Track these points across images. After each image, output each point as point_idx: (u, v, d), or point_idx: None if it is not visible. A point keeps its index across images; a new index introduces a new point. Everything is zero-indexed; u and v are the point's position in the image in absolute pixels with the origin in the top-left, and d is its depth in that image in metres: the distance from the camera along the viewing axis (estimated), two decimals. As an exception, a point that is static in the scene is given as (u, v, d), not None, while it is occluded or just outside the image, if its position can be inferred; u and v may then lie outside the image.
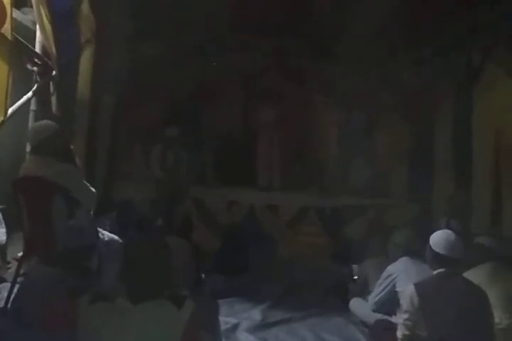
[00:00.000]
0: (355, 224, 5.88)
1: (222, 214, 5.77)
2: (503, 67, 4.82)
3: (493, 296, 2.64)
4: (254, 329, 3.49)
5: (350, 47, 6.08)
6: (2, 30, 3.00)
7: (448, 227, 4.01)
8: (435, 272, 2.70)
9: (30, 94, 3.76)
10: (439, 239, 2.71)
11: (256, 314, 3.78)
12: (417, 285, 2.62)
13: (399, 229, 3.73)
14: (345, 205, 6.05)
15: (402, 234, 3.53)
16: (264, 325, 3.59)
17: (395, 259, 3.40)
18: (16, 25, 3.37)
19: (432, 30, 5.35)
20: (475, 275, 2.87)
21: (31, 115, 3.92)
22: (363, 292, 3.74)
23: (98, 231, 3.05)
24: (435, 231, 2.85)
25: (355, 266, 4.23)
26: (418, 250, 3.20)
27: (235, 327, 3.47)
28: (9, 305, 2.77)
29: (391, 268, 3.32)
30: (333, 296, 4.28)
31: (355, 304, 3.77)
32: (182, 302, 1.75)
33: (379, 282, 3.38)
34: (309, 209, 5.99)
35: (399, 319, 2.79)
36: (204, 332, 2.09)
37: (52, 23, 3.73)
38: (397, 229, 3.71)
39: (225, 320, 3.41)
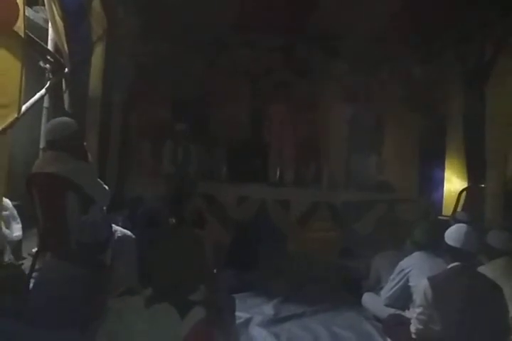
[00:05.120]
0: (366, 219, 5.87)
1: (233, 210, 5.80)
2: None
3: (508, 290, 2.62)
4: (266, 323, 3.53)
5: (358, 42, 6.04)
6: (15, 28, 3.02)
7: (457, 220, 4.00)
8: (449, 266, 2.69)
9: (43, 91, 3.79)
10: (453, 232, 2.71)
11: (268, 309, 3.82)
12: (430, 280, 2.62)
13: (418, 224, 3.69)
14: (356, 200, 6.03)
15: (422, 230, 3.48)
16: (276, 320, 3.62)
17: (408, 254, 3.39)
18: (29, 23, 3.38)
19: (442, 24, 5.29)
20: (489, 271, 2.85)
21: (44, 112, 3.95)
22: (376, 287, 3.73)
23: (111, 227, 3.07)
24: (448, 225, 2.84)
25: (367, 261, 4.21)
26: (432, 245, 3.19)
27: (247, 321, 3.51)
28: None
29: (404, 263, 3.31)
30: (345, 291, 4.29)
31: (368, 299, 3.77)
32: (188, 310, 1.74)
33: (392, 276, 3.38)
34: (320, 204, 5.99)
35: (412, 313, 2.79)
36: (215, 332, 2.09)
37: (65, 20, 3.75)
38: (416, 225, 3.65)
39: (238, 315, 3.41)
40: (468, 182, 5.40)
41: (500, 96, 4.96)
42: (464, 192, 5.37)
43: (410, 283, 3.22)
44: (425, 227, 3.54)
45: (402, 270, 3.30)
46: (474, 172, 5.31)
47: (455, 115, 5.84)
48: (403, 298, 3.28)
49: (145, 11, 5.36)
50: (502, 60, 4.95)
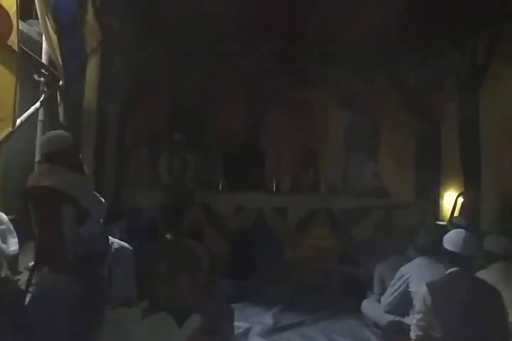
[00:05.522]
0: (363, 225, 5.86)
1: (231, 219, 5.78)
2: (508, 64, 4.78)
3: (507, 295, 2.62)
4: (266, 333, 3.51)
5: (353, 48, 6.08)
6: (9, 42, 3.04)
7: (455, 225, 4.00)
8: (447, 271, 2.69)
9: (38, 104, 3.80)
10: (451, 237, 2.72)
11: (267, 318, 3.80)
12: (429, 285, 2.62)
13: (421, 229, 3.68)
14: (353, 207, 6.03)
15: (426, 235, 3.46)
16: (276, 329, 3.60)
17: (411, 260, 3.38)
18: (22, 37, 3.41)
19: (435, 27, 5.33)
20: (488, 275, 2.85)
21: (39, 125, 3.95)
22: (382, 294, 3.68)
23: (108, 239, 3.06)
24: (446, 230, 2.84)
25: (367, 267, 4.21)
26: (435, 250, 3.17)
27: (246, 331, 3.49)
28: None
29: (404, 269, 3.30)
30: (345, 298, 4.28)
31: (367, 305, 3.76)
32: (185, 319, 1.76)
33: (392, 282, 3.36)
34: (318, 211, 5.99)
35: (412, 319, 2.78)
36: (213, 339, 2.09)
37: (58, 33, 3.77)
38: (419, 230, 3.65)
39: (237, 325, 3.40)
40: (465, 187, 5.40)
41: (495, 98, 4.98)
42: (461, 197, 5.38)
43: (410, 289, 3.20)
44: (429, 232, 3.53)
45: (403, 276, 3.28)
46: (470, 176, 5.32)
47: (450, 118, 5.86)
48: (403, 303, 3.26)
49: (141, 19, 5.39)
50: (496, 62, 4.97)
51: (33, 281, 3.06)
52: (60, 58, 3.88)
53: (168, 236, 3.63)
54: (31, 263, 3.24)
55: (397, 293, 3.32)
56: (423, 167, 6.31)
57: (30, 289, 2.99)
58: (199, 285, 2.04)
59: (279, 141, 6.64)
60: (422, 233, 3.52)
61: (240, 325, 3.47)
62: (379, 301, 3.61)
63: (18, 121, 3.34)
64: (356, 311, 3.83)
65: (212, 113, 7.07)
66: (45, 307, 2.44)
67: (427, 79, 6.22)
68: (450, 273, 2.69)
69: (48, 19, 3.69)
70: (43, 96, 3.92)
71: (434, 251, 3.20)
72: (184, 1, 5.08)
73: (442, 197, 5.94)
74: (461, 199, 5.36)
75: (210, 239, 4.96)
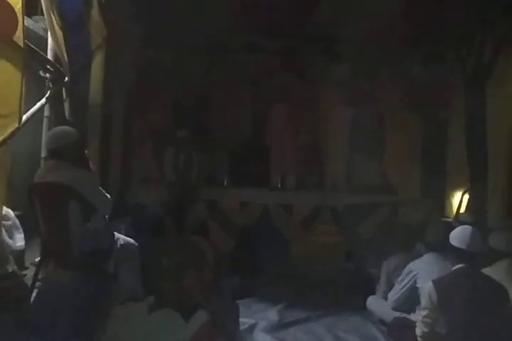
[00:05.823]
0: (368, 222, 5.85)
1: (236, 215, 5.79)
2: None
3: (513, 292, 2.61)
4: (271, 329, 3.52)
5: (358, 44, 6.04)
6: (14, 38, 3.04)
7: (461, 222, 3.99)
8: (453, 268, 2.68)
9: (43, 100, 3.80)
10: (458, 234, 2.71)
11: (273, 314, 3.81)
12: (435, 282, 2.61)
13: (429, 226, 3.66)
14: (358, 203, 6.01)
15: (435, 231, 3.44)
16: (281, 325, 3.61)
17: (418, 256, 3.37)
18: (28, 33, 3.40)
19: (442, 24, 5.29)
20: (493, 273, 2.84)
21: (45, 121, 3.96)
22: (388, 291, 3.66)
23: (114, 235, 3.07)
24: (452, 227, 2.83)
25: (372, 264, 4.20)
26: (443, 247, 3.15)
27: (252, 327, 3.50)
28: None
29: (412, 265, 3.29)
30: (350, 295, 4.27)
31: (373, 302, 3.75)
32: (191, 315, 1.77)
33: (400, 278, 3.35)
34: (323, 207, 5.98)
35: (418, 316, 2.77)
36: (219, 335, 2.10)
37: (64, 30, 3.77)
38: (427, 226, 3.63)
39: (242, 321, 3.38)
40: (471, 183, 5.37)
41: (501, 96, 4.95)
42: (467, 194, 5.35)
43: (418, 285, 3.18)
44: (438, 229, 3.51)
45: (410, 272, 3.27)
46: (476, 173, 5.29)
47: (456, 116, 5.82)
48: (411, 300, 3.24)
49: (144, 18, 5.38)
50: (502, 60, 4.93)
51: (39, 277, 3.08)
52: (65, 54, 3.89)
53: (173, 232, 3.64)
54: (37, 259, 3.26)
55: (404, 289, 3.30)
56: (429, 164, 6.28)
57: (36, 284, 3.01)
58: (205, 281, 2.04)
59: (284, 138, 6.62)
60: (431, 229, 3.50)
61: (245, 321, 3.47)
62: (385, 298, 3.61)
63: (24, 117, 3.34)
64: (362, 308, 3.83)
65: (215, 110, 7.05)
66: (51, 302, 2.45)
67: (433, 77, 6.18)
68: (456, 269, 2.68)
69: (54, 15, 3.69)
70: (48, 92, 3.92)
71: (443, 247, 3.17)
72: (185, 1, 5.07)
73: (448, 194, 5.91)
74: (467, 196, 5.34)
75: (215, 235, 4.98)
